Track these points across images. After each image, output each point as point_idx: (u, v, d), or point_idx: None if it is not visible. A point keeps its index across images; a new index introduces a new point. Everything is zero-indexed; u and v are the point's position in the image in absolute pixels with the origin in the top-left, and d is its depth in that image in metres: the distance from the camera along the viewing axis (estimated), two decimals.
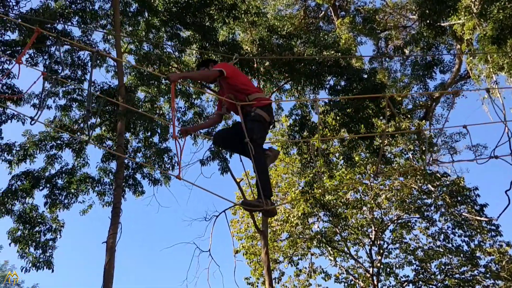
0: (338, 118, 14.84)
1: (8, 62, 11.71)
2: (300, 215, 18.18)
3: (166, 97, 14.11)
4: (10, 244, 12.62)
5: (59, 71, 12.38)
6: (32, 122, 4.18)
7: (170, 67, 14.33)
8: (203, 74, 4.98)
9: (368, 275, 20.84)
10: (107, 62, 14.24)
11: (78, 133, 13.67)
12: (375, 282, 20.45)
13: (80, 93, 13.32)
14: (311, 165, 16.28)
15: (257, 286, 20.62)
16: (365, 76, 15.01)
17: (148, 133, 13.13)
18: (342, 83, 15.33)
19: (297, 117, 16.37)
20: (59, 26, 12.29)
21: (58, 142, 13.25)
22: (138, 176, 13.98)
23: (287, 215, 19.61)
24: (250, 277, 20.54)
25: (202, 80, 5.22)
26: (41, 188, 12.89)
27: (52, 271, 12.62)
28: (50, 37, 12.11)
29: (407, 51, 21.50)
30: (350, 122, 14.62)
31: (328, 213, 18.06)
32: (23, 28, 10.98)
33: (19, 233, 12.66)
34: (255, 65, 15.05)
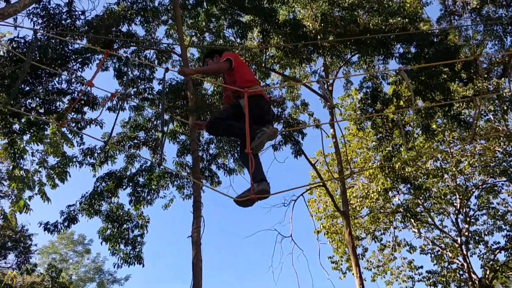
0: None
1: (80, 69, 12.07)
2: (380, 190, 17.70)
3: None
4: (101, 243, 13.25)
5: (130, 75, 12.58)
6: (106, 147, 4.20)
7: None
8: (216, 68, 4.92)
9: (456, 244, 20.05)
10: (171, 58, 14.33)
11: (153, 131, 13.97)
12: (464, 252, 19.66)
13: (150, 92, 13.54)
14: (388, 138, 15.71)
15: (341, 264, 20.49)
16: (436, 39, 14.16)
17: None
18: (412, 49, 14.56)
19: (368, 90, 15.79)
20: (124, 28, 12.48)
21: (135, 141, 13.61)
22: (213, 167, 14.15)
23: (366, 191, 19.18)
24: (333, 255, 20.43)
25: (214, 74, 5.13)
26: (124, 187, 13.35)
27: (143, 266, 13.14)
28: (117, 41, 12.35)
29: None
30: (424, 89, 13.88)
31: (408, 185, 17.42)
32: (91, 36, 11.22)
33: (108, 231, 13.24)
34: (319, 42, 14.59)
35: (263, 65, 15.14)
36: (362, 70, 17.12)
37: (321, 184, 17.73)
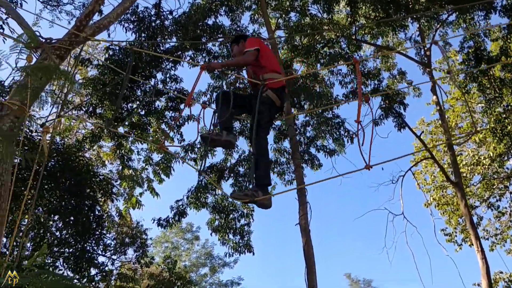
0: None
1: (173, 68, 12.28)
2: (493, 155, 16.33)
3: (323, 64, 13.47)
4: (211, 234, 13.58)
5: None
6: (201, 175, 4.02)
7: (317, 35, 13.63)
8: (244, 60, 4.50)
9: None
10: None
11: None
12: None
13: (241, 81, 13.47)
14: (497, 99, 14.37)
15: (455, 235, 19.35)
16: None
17: (314, 104, 12.74)
18: None
19: (469, 50, 14.50)
20: (210, 21, 12.47)
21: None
22: (312, 150, 13.85)
23: (476, 158, 17.81)
24: (446, 227, 19.32)
25: (243, 66, 4.66)
26: (226, 178, 13.51)
27: (253, 254, 13.27)
28: (205, 34, 12.38)
29: None
30: None
31: None
32: (180, 34, 11.34)
33: (216, 222, 13.51)
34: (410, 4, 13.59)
35: (353, 37, 14.44)
36: (460, 29, 15.74)
37: (428, 156, 16.73)
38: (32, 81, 4.02)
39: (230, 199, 13.77)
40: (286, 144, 13.90)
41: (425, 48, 15.77)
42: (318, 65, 14.46)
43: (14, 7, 8.92)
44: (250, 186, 4.16)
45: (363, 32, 14.76)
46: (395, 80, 15.71)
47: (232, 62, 4.94)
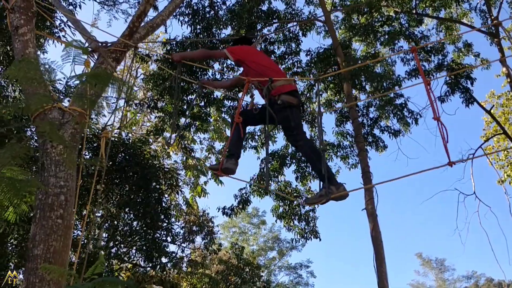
0: None
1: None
2: None
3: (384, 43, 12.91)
4: (276, 220, 13.59)
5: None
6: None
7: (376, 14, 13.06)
8: (205, 53, 4.86)
9: None
10: (314, 25, 13.79)
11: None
12: None
13: (299, 65, 13.27)
14: None
15: None
16: None
17: (376, 85, 12.30)
18: None
19: None
20: (264, 7, 12.31)
21: None
22: (376, 131, 13.43)
23: None
24: None
25: (205, 58, 4.50)
26: (288, 165, 13.42)
27: (320, 240, 13.15)
28: (260, 21, 12.26)
29: None
30: None
31: None
32: (234, 23, 11.28)
33: (281, 209, 13.49)
34: None
35: (413, 11, 13.75)
36: None
37: (500, 131, 15.77)
38: (90, 88, 4.10)
39: (294, 185, 13.71)
40: (349, 126, 13.58)
41: (492, 18, 14.74)
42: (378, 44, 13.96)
43: (72, 10, 9.23)
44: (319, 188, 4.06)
45: (424, 5, 14.00)
46: (461, 54, 14.81)
47: (196, 52, 4.94)
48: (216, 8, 11.43)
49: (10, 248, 10.18)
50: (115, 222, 11.63)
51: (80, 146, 4.32)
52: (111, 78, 3.38)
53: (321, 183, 4.01)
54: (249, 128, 13.57)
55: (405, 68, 14.85)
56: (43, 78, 3.53)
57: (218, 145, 16.84)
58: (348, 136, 13.63)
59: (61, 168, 3.99)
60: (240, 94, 11.05)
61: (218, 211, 13.26)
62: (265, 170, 13.03)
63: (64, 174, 3.99)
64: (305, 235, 13.16)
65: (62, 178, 3.97)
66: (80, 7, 9.92)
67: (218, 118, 16.39)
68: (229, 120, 14.51)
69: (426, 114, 14.54)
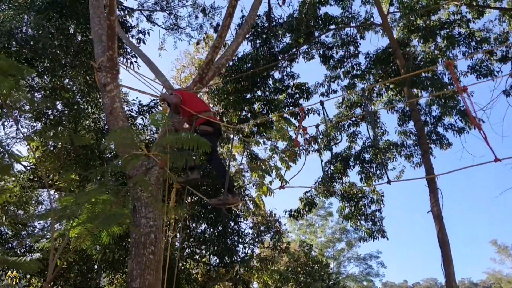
0: None
1: (290, 65, 12.65)
2: None
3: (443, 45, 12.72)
4: (342, 221, 13.87)
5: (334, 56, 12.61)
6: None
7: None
8: (172, 100, 5.43)
9: None
10: (371, 26, 13.82)
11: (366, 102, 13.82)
12: None
13: (358, 68, 13.40)
14: None
15: None
16: None
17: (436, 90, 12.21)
18: None
19: None
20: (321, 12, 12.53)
21: (353, 119, 13.71)
22: (440, 129, 13.32)
23: None
24: None
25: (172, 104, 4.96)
26: (352, 166, 13.64)
27: (387, 239, 13.31)
28: (317, 27, 12.51)
29: None
30: None
31: None
32: (294, 33, 11.63)
33: (347, 210, 13.75)
34: None
35: (473, 3, 13.42)
36: None
37: None
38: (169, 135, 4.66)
39: (359, 186, 13.88)
40: (411, 125, 13.55)
41: None
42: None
43: (141, 39, 9.95)
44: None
45: None
46: None
47: (169, 97, 5.63)
48: (275, 22, 11.81)
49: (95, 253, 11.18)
50: (190, 225, 12.39)
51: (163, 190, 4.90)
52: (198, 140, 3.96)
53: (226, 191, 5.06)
54: (312, 132, 13.91)
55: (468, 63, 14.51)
56: (134, 141, 4.11)
57: (281, 145, 17.26)
58: (411, 135, 13.63)
59: (149, 209, 4.59)
60: None
61: (285, 214, 13.72)
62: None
63: (152, 214, 4.59)
64: (373, 235, 13.35)
65: (151, 218, 4.58)
66: (149, 34, 10.65)
67: (280, 119, 16.82)
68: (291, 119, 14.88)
69: (491, 111, 14.19)
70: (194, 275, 13.47)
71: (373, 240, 13.40)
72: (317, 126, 5.44)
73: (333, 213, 37.73)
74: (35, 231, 9.65)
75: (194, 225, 11.93)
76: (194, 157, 5.17)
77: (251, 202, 16.36)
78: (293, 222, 36.92)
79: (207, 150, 4.72)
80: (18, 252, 10.01)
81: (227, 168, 5.53)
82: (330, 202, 36.82)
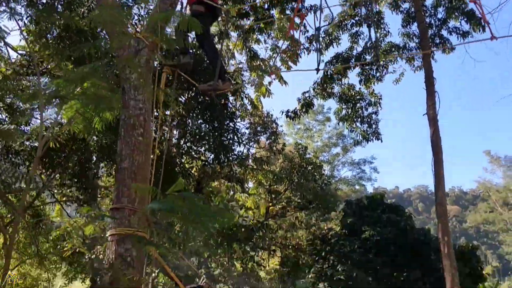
0: None
1: None
2: None
3: None
4: (338, 123, 13.94)
5: None
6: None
7: None
8: None
9: None
10: None
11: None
12: None
13: None
14: None
15: None
16: None
17: None
18: None
19: None
20: None
21: (357, 19, 13.24)
22: (444, 32, 12.90)
23: None
24: None
25: None
26: (352, 68, 13.41)
27: (381, 141, 13.48)
28: None
29: None
30: None
31: None
32: None
33: (343, 112, 13.76)
34: None
35: None
36: None
37: None
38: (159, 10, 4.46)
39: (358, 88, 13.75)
40: (415, 27, 13.11)
41: None
42: None
43: None
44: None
45: None
46: None
47: None
48: None
49: (93, 143, 11.35)
50: (186, 121, 12.45)
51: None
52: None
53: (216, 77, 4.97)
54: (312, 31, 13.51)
55: None
56: (123, 20, 3.92)
57: (283, 44, 16.86)
58: (414, 37, 13.24)
59: (139, 91, 4.51)
60: None
61: (282, 115, 13.74)
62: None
63: (142, 97, 4.52)
64: (367, 137, 13.49)
65: (140, 100, 4.51)
66: None
67: (282, 17, 16.26)
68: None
69: (498, 15, 13.63)
70: (189, 170, 13.79)
71: (367, 142, 13.56)
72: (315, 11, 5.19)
73: (331, 118, 38.06)
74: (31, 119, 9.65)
75: (190, 121, 11.96)
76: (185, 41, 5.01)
77: (249, 102, 16.33)
78: (291, 126, 37.30)
79: (197, 31, 4.53)
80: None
81: (219, 53, 5.32)
82: (328, 107, 36.95)
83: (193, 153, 13.32)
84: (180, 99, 11.71)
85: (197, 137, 11.49)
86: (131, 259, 3.98)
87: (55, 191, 13.08)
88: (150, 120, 4.58)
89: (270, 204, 18.81)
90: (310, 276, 17.28)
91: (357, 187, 39.99)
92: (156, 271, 15.85)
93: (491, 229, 69.39)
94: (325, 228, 19.18)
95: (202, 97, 11.18)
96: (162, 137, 10.94)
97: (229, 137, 12.02)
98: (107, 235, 4.11)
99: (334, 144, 38.80)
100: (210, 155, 12.98)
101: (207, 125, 11.57)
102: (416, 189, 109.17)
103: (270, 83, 16.46)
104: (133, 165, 4.29)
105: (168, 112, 10.83)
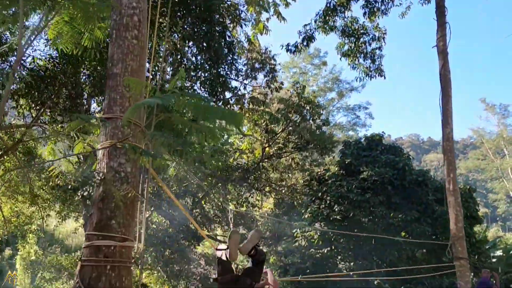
0: None
1: None
2: None
3: None
4: (340, 58, 13.33)
5: None
6: None
7: None
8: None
9: None
10: None
11: None
12: None
13: None
14: None
15: None
16: None
17: None
18: None
19: None
20: None
21: None
22: None
23: None
24: None
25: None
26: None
27: (384, 78, 12.94)
28: None
29: None
30: None
31: None
32: None
33: (346, 47, 13.14)
34: None
35: None
36: None
37: None
38: None
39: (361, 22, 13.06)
40: None
41: None
42: None
43: None
44: None
45: None
46: None
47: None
48: None
49: (84, 77, 10.78)
50: (180, 56, 11.81)
51: None
52: None
53: None
54: None
55: None
56: None
57: None
58: None
59: None
60: None
61: (282, 48, 13.12)
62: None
63: None
64: (370, 73, 12.96)
65: None
66: None
67: None
68: None
69: None
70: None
71: (370, 79, 13.05)
72: None
73: (327, 63, 37.24)
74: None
75: (186, 50, 11.31)
76: None
77: (246, 39, 15.62)
78: (287, 70, 36.52)
79: None
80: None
81: None
82: (325, 51, 36.07)
83: (186, 89, 12.75)
84: (174, 29, 11.02)
85: (192, 66, 10.87)
86: (125, 175, 3.54)
87: (47, 127, 12.57)
88: (145, 21, 4.02)
89: (266, 145, 18.43)
90: (306, 216, 17.17)
91: (350, 133, 39.72)
92: (151, 209, 15.65)
93: (480, 178, 70.32)
94: (322, 169, 18.94)
95: (198, 24, 10.49)
96: (156, 68, 10.34)
97: (226, 69, 11.43)
98: (97, 148, 3.65)
99: (329, 88, 38.19)
100: (206, 91, 12.43)
101: (203, 55, 10.93)
102: (408, 138, 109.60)
103: (268, 19, 15.71)
104: (126, 70, 3.79)
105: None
